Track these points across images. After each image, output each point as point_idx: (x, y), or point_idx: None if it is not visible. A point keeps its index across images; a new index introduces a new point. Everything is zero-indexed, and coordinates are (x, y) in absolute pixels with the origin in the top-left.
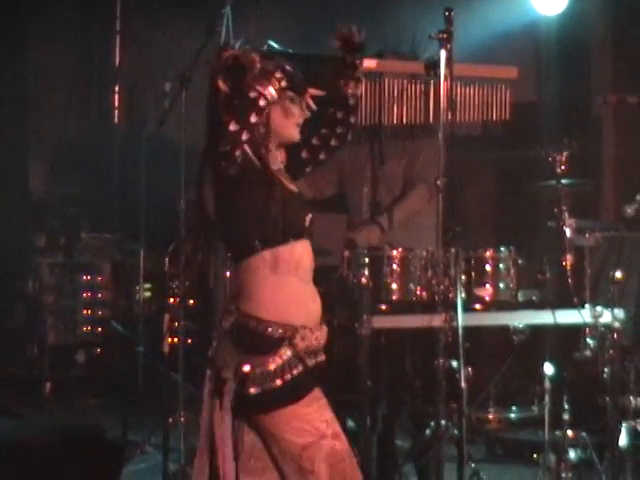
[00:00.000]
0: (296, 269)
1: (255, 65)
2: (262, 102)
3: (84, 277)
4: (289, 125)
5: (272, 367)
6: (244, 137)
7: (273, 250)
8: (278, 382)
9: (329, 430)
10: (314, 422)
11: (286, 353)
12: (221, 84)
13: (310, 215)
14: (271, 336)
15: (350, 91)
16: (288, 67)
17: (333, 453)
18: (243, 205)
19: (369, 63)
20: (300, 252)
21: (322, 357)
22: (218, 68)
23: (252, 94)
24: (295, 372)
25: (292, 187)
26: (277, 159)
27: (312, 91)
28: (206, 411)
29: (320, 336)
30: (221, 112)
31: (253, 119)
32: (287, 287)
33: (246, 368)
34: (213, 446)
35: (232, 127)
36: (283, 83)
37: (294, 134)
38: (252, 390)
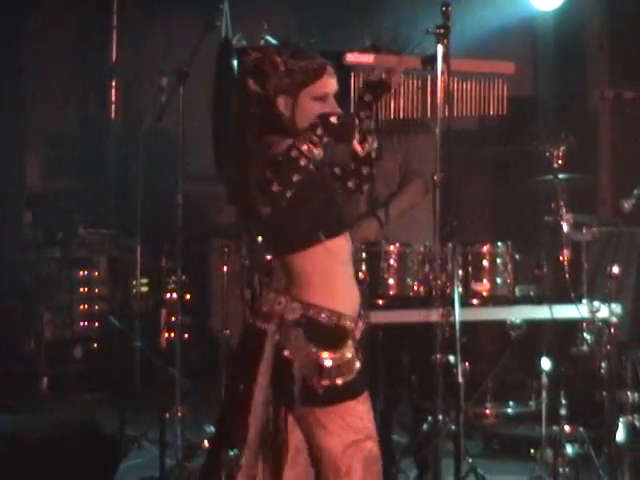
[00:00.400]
0: (349, 258)
1: (279, 69)
2: (303, 162)
3: (81, 272)
4: None
5: (345, 360)
6: (288, 195)
7: (334, 240)
8: (348, 376)
9: (372, 431)
10: (365, 421)
11: (352, 345)
12: (252, 85)
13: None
14: (345, 328)
15: (357, 148)
16: (332, 117)
17: (371, 455)
18: (304, 204)
19: (366, 58)
20: (349, 242)
21: None
22: (243, 70)
23: (293, 153)
24: (358, 365)
25: None
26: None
27: (357, 147)
28: (261, 406)
29: (362, 326)
30: (262, 168)
31: (295, 178)
32: (346, 276)
33: (324, 362)
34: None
35: (275, 188)
36: (325, 139)
37: None
38: (324, 383)
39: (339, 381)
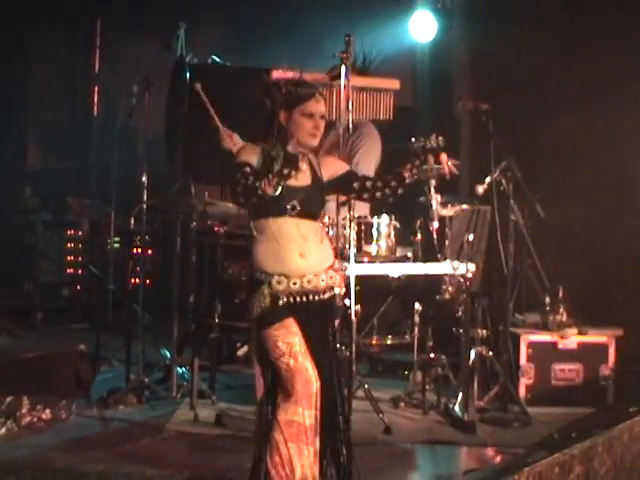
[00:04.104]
0: (277, 236)
1: (281, 91)
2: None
3: (68, 232)
4: (303, 133)
5: (253, 301)
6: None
7: (274, 220)
8: (259, 312)
9: (288, 350)
10: (278, 342)
11: (265, 292)
12: (267, 103)
13: (294, 202)
14: (257, 280)
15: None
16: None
17: (288, 369)
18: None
19: (286, 74)
20: (280, 225)
21: (317, 297)
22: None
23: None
24: (264, 306)
25: (295, 182)
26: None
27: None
28: None
29: (300, 282)
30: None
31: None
32: (269, 247)
33: (245, 302)
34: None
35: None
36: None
37: (308, 140)
38: (250, 317)
39: (251, 315)
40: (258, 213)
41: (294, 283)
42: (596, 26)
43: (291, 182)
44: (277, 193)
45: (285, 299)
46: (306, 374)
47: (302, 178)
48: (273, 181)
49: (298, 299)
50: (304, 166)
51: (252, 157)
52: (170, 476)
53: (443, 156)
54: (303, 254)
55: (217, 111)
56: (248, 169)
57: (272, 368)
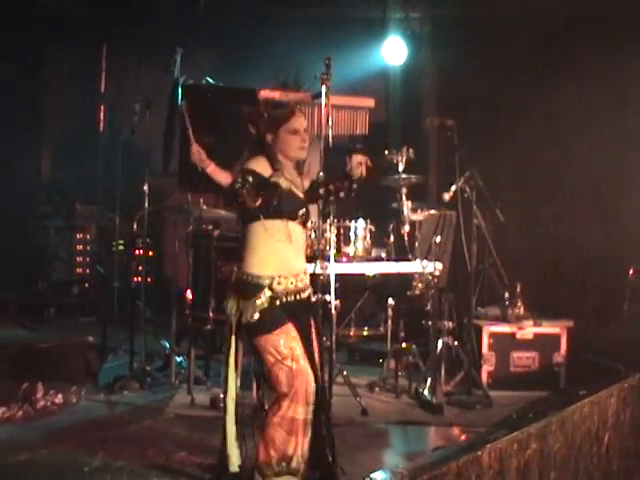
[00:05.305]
0: (292, 237)
1: (264, 116)
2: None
3: (78, 235)
4: (292, 148)
5: (254, 305)
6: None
7: (271, 222)
8: (256, 316)
9: (291, 354)
10: (280, 347)
11: (266, 295)
12: (251, 129)
13: (303, 209)
14: (254, 284)
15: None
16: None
17: (291, 371)
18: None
19: (274, 94)
20: (293, 229)
21: (303, 295)
22: (245, 120)
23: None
24: (262, 309)
25: (297, 192)
26: (290, 169)
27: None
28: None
29: (295, 281)
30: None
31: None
32: (276, 247)
33: (240, 307)
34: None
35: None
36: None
37: (298, 154)
38: (244, 321)
39: (252, 320)
40: (272, 213)
41: (291, 283)
42: (556, 47)
43: (298, 193)
44: (257, 205)
45: (284, 299)
46: (306, 375)
47: (301, 190)
48: (254, 196)
49: (292, 298)
50: (298, 181)
51: (261, 167)
52: (165, 464)
53: (358, 158)
54: (298, 256)
55: (209, 127)
56: (251, 178)
57: (269, 368)
